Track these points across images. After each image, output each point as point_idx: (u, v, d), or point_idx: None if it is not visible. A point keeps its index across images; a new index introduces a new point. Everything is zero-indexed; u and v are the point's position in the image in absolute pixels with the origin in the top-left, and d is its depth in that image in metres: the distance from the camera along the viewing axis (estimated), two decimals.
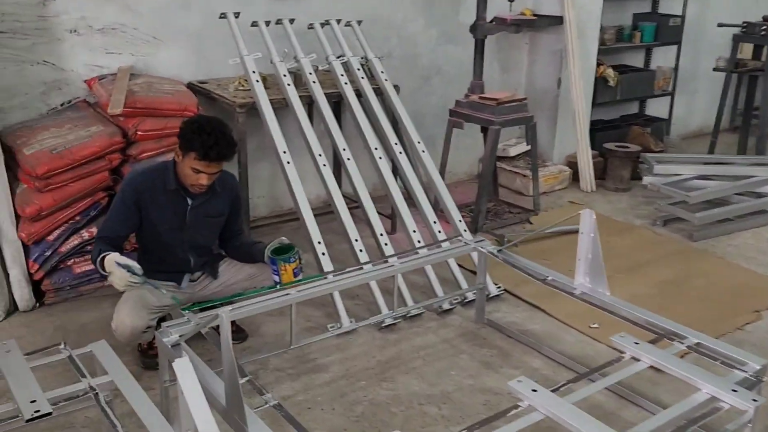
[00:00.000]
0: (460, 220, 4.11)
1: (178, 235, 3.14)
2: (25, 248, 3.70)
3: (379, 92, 4.46)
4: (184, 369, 2.01)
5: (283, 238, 3.16)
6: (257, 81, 4.01)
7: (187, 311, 2.78)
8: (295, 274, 3.07)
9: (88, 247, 3.79)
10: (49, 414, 2.16)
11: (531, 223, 5.07)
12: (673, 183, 5.19)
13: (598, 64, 5.99)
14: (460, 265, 4.00)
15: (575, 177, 5.86)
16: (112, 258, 2.87)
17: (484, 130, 5.09)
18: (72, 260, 3.77)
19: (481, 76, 4.96)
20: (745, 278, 4.29)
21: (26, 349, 2.95)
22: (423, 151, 4.27)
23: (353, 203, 4.19)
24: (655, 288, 4.13)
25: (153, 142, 3.84)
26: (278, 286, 3.04)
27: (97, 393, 2.33)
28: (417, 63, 5.45)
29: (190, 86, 4.37)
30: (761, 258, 4.57)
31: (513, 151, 5.93)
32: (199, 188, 3.02)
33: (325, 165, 3.92)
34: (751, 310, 3.89)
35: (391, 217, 4.75)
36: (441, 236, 3.97)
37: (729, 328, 3.69)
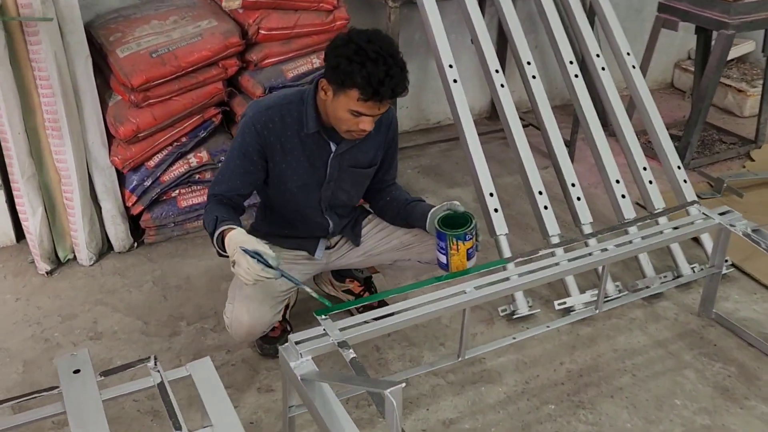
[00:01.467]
0: (685, 180, 3.01)
1: (315, 193, 2.27)
2: (120, 176, 2.96)
3: None
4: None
5: (456, 202, 2.22)
6: None
7: (320, 313, 1.95)
8: (469, 256, 2.15)
9: (197, 176, 3.02)
10: None
11: (753, 160, 3.88)
12: None
13: None
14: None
15: None
16: (237, 239, 1.99)
17: (702, 31, 3.84)
18: (177, 191, 3.02)
19: None
20: None
21: (117, 309, 2.33)
22: (633, 66, 3.13)
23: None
24: None
25: (280, 44, 2.92)
26: (446, 273, 2.16)
27: None
28: None
29: None
30: None
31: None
32: (359, 135, 2.10)
33: (503, 86, 2.88)
34: None
35: (569, 144, 3.70)
36: (656, 196, 2.92)
37: None
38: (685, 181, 3.01)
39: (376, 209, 2.51)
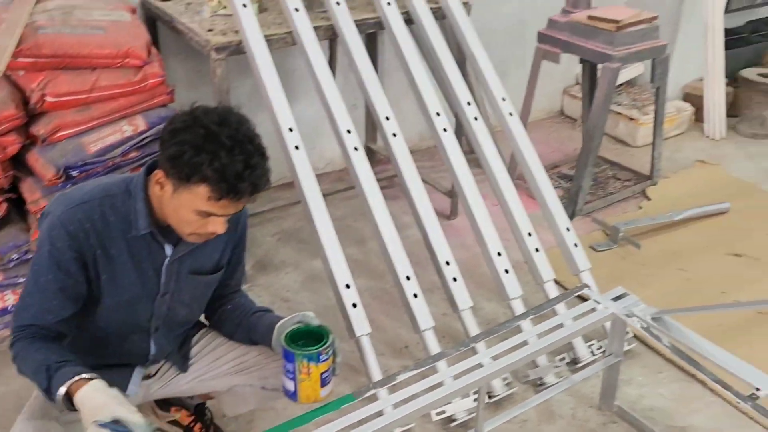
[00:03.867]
0: (576, 244, 2.60)
1: (145, 309, 1.74)
2: None
3: (440, 15, 2.86)
4: None
5: (310, 313, 1.73)
6: (244, 5, 2.43)
7: None
8: (324, 382, 1.66)
9: None
10: None
11: (649, 199, 3.55)
12: None
13: None
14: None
15: (696, 115, 4.26)
16: (91, 405, 1.47)
17: (587, 63, 3.50)
18: None
19: None
20: None
21: None
22: (510, 114, 2.71)
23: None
24: None
25: (75, 112, 2.33)
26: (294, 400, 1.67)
27: None
28: None
29: (145, 6, 2.81)
30: None
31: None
32: (207, 238, 1.63)
33: (357, 149, 2.40)
34: None
35: (451, 195, 3.27)
36: (543, 267, 2.50)
37: None
38: (576, 245, 2.60)
39: (212, 320, 1.99)
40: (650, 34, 3.19)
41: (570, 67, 4.26)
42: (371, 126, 3.55)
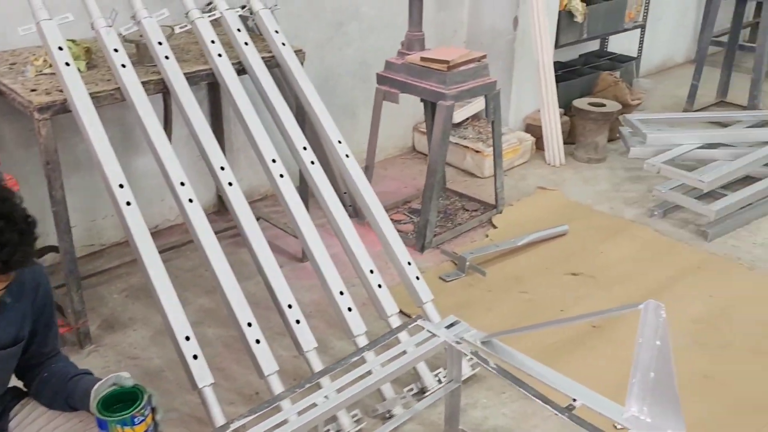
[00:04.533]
0: (417, 277, 2.70)
1: None
2: None
3: (274, 63, 2.93)
4: None
5: (124, 373, 1.70)
6: (66, 63, 2.41)
7: None
8: None
9: None
10: None
11: (495, 227, 3.73)
12: (674, 159, 3.95)
13: None
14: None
15: (538, 144, 4.53)
16: None
17: (427, 102, 3.67)
18: None
19: (420, 25, 3.48)
20: None
21: None
22: (347, 156, 2.80)
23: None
24: (687, 336, 2.89)
25: None
26: None
27: None
28: (324, 5, 3.88)
29: None
30: None
31: (458, 116, 4.51)
32: None
33: (191, 200, 2.41)
34: None
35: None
36: (387, 302, 2.58)
37: None
38: (417, 278, 2.71)
39: (31, 389, 1.91)
40: (480, 72, 3.39)
41: (418, 104, 4.45)
42: None
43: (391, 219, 3.70)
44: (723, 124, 4.70)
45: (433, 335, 2.17)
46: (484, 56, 3.42)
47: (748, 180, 3.97)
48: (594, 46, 5.59)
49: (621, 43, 5.65)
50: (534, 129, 4.56)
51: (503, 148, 4.30)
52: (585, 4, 4.70)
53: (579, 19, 4.64)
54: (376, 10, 4.07)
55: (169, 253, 3.22)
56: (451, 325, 2.22)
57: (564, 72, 5.11)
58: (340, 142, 2.80)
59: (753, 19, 6.57)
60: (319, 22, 3.87)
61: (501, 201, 3.82)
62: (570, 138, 4.62)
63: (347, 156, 2.79)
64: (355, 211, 3.74)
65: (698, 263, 3.42)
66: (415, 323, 2.25)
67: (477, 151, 4.26)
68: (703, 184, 3.63)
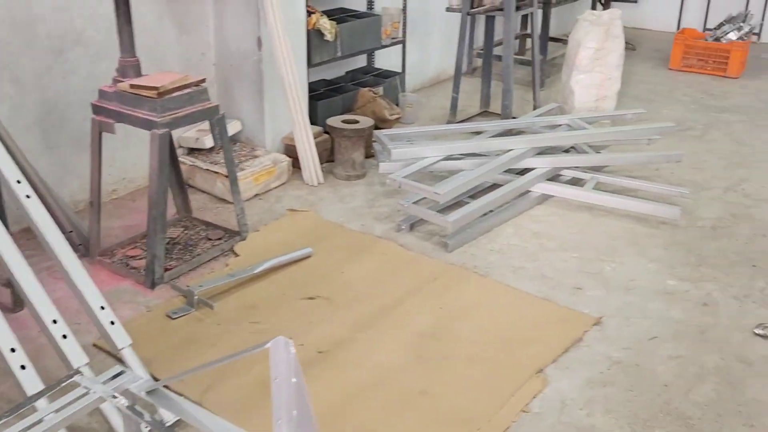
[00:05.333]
0: (112, 322, 2.50)
1: None
2: None
3: None
4: None
5: None
6: None
7: None
8: None
9: None
10: None
11: (237, 255, 3.61)
12: (416, 172, 4.02)
13: (309, 13, 4.55)
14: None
15: (296, 164, 4.47)
16: None
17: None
18: None
19: (133, 50, 3.29)
20: (519, 308, 3.23)
21: None
22: (28, 196, 2.56)
23: None
24: (410, 351, 2.91)
25: None
26: None
27: None
28: (36, 31, 3.59)
29: None
30: (530, 267, 3.56)
31: (210, 141, 4.36)
32: None
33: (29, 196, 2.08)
34: (533, 370, 2.82)
35: (9, 286, 3.02)
36: (74, 353, 2.36)
37: (510, 415, 2.58)
38: (112, 322, 2.51)
39: None
40: (198, 97, 3.25)
41: None
42: None
43: (127, 255, 3.53)
44: (478, 133, 4.87)
45: (90, 392, 1.99)
46: (202, 80, 3.29)
47: (495, 187, 4.11)
48: (361, 62, 5.65)
49: (389, 58, 5.75)
50: (292, 149, 4.50)
51: (257, 170, 4.24)
52: (335, 23, 4.71)
53: (329, 37, 4.64)
54: (104, 34, 3.84)
55: None
56: (116, 376, 2.05)
57: (328, 89, 5.11)
58: (19, 182, 2.55)
59: (520, 31, 6.97)
60: (33, 50, 3.58)
61: (244, 227, 3.70)
62: (332, 156, 4.60)
63: (28, 197, 2.54)
64: (87, 249, 3.51)
65: (436, 275, 3.47)
66: (72, 379, 2.05)
67: (227, 176, 4.12)
68: (439, 196, 3.70)
